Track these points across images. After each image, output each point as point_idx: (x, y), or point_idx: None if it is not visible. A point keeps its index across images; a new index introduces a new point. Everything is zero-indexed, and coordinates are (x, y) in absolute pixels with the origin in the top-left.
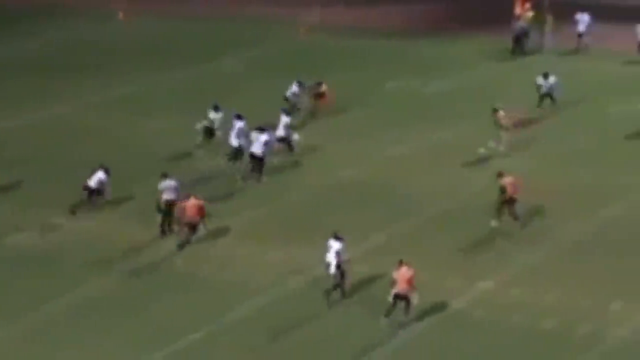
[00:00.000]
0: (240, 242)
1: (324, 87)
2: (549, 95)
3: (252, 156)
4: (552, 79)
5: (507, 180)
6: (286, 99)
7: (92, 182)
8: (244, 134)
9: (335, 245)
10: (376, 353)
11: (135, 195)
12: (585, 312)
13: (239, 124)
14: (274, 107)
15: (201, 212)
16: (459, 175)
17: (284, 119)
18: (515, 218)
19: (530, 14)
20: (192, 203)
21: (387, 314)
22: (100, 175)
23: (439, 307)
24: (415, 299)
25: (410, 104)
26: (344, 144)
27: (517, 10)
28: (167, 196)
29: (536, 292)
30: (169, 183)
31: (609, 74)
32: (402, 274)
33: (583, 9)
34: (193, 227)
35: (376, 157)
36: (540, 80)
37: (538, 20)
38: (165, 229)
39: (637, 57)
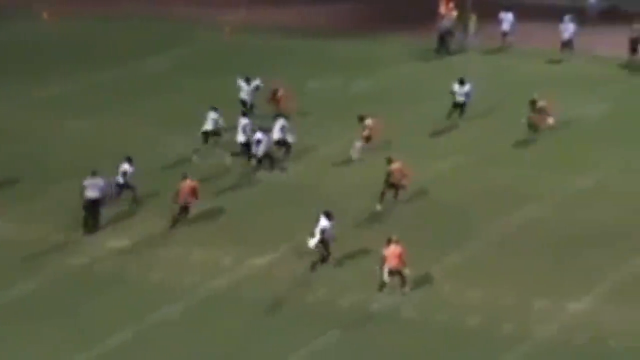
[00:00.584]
0: (168, 244)
1: (280, 92)
2: (461, 105)
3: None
4: (467, 87)
5: (394, 166)
6: (243, 101)
7: (120, 178)
8: (250, 131)
9: (323, 222)
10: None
11: (58, 196)
12: (509, 310)
13: (244, 121)
14: (201, 106)
15: (194, 193)
16: (380, 170)
17: (280, 122)
18: (395, 197)
19: (454, 13)
20: (187, 184)
21: (380, 288)
22: (125, 167)
23: (363, 306)
24: (407, 272)
25: (332, 103)
26: None
27: (442, 9)
28: (90, 194)
29: (461, 291)
30: (94, 181)
31: (533, 72)
32: (392, 250)
33: (507, 8)
34: (186, 209)
35: (296, 156)
36: (455, 87)
37: (462, 20)
38: (89, 226)
39: (560, 55)
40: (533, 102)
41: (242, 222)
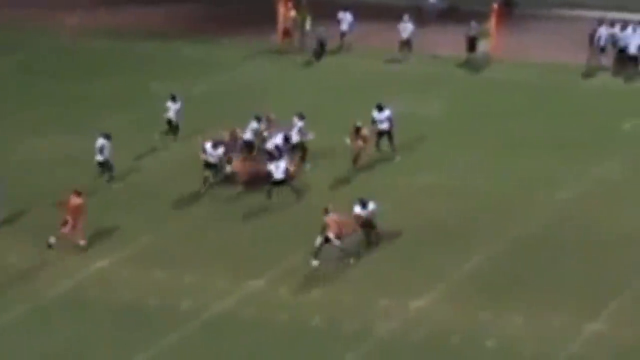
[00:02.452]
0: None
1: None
2: (386, 132)
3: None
4: (387, 112)
5: (329, 218)
6: (169, 121)
7: (99, 156)
8: (304, 133)
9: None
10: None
11: None
12: (351, 309)
13: (299, 123)
14: (46, 111)
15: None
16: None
17: (298, 123)
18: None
19: (293, 13)
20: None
21: (316, 255)
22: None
23: (206, 308)
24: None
25: None
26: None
27: (281, 10)
28: None
29: (301, 291)
30: None
31: (371, 72)
32: (332, 218)
33: (345, 8)
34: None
35: (144, 160)
36: (374, 113)
37: (300, 19)
38: None
39: (399, 55)
40: (357, 129)
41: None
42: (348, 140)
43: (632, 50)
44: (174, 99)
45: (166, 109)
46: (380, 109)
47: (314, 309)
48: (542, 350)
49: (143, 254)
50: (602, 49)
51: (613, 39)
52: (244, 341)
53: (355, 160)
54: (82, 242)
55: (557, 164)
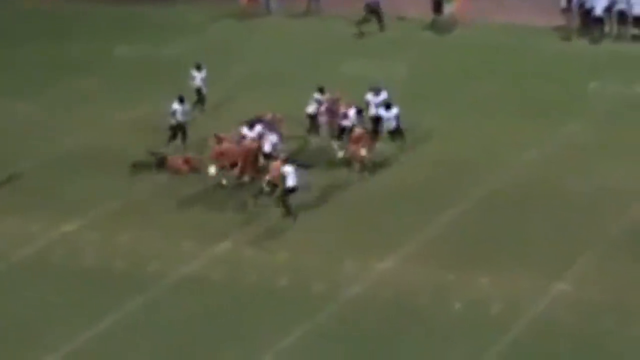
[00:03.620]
0: None
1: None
2: (396, 130)
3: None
4: (395, 110)
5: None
6: (198, 90)
7: (172, 119)
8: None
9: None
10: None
11: None
12: (318, 271)
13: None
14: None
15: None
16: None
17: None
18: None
19: None
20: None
21: (256, 195)
22: (175, 106)
23: (172, 271)
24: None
25: (142, 69)
26: (74, 111)
27: None
28: None
29: (269, 254)
30: None
31: (339, 37)
32: (276, 164)
33: None
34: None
35: (107, 122)
36: (382, 112)
37: None
38: None
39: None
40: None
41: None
42: (340, 154)
43: (598, 11)
44: (198, 67)
45: (192, 78)
46: (388, 107)
47: (281, 271)
48: (509, 311)
49: (109, 218)
50: (567, 10)
51: (580, 1)
52: (212, 303)
53: (361, 169)
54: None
55: (523, 125)
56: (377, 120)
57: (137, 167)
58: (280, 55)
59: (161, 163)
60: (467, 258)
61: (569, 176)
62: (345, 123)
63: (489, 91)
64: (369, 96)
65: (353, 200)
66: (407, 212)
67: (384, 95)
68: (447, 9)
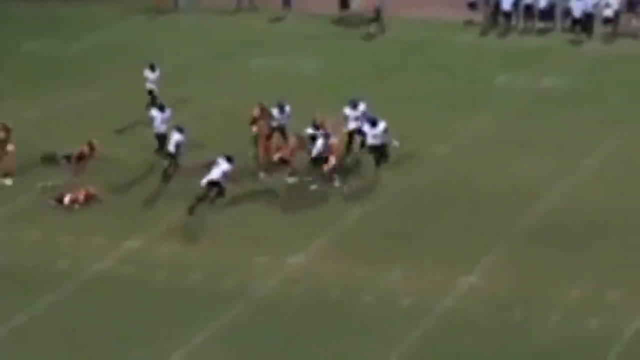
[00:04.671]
0: None
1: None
2: (378, 148)
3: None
4: (381, 126)
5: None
6: (150, 91)
7: (171, 147)
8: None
9: (223, 165)
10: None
11: None
12: (229, 267)
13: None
14: None
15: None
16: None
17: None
18: None
19: None
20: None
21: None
22: (175, 137)
23: (82, 268)
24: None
25: (49, 66)
26: None
27: None
28: None
29: (179, 250)
30: None
31: (253, 31)
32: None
33: None
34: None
35: (15, 118)
36: (366, 128)
37: None
38: None
39: (280, 14)
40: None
41: None
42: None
43: (506, 6)
44: (152, 68)
45: (144, 79)
46: (373, 124)
47: (192, 268)
48: (419, 304)
49: (17, 215)
50: (474, 5)
51: None
52: (122, 300)
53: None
54: None
55: (433, 119)
56: (355, 134)
57: (46, 160)
58: (186, 52)
59: (68, 158)
60: (378, 253)
61: (478, 170)
62: (273, 124)
63: (397, 85)
64: (347, 110)
65: (265, 196)
66: (318, 206)
67: (362, 108)
68: (354, 4)
